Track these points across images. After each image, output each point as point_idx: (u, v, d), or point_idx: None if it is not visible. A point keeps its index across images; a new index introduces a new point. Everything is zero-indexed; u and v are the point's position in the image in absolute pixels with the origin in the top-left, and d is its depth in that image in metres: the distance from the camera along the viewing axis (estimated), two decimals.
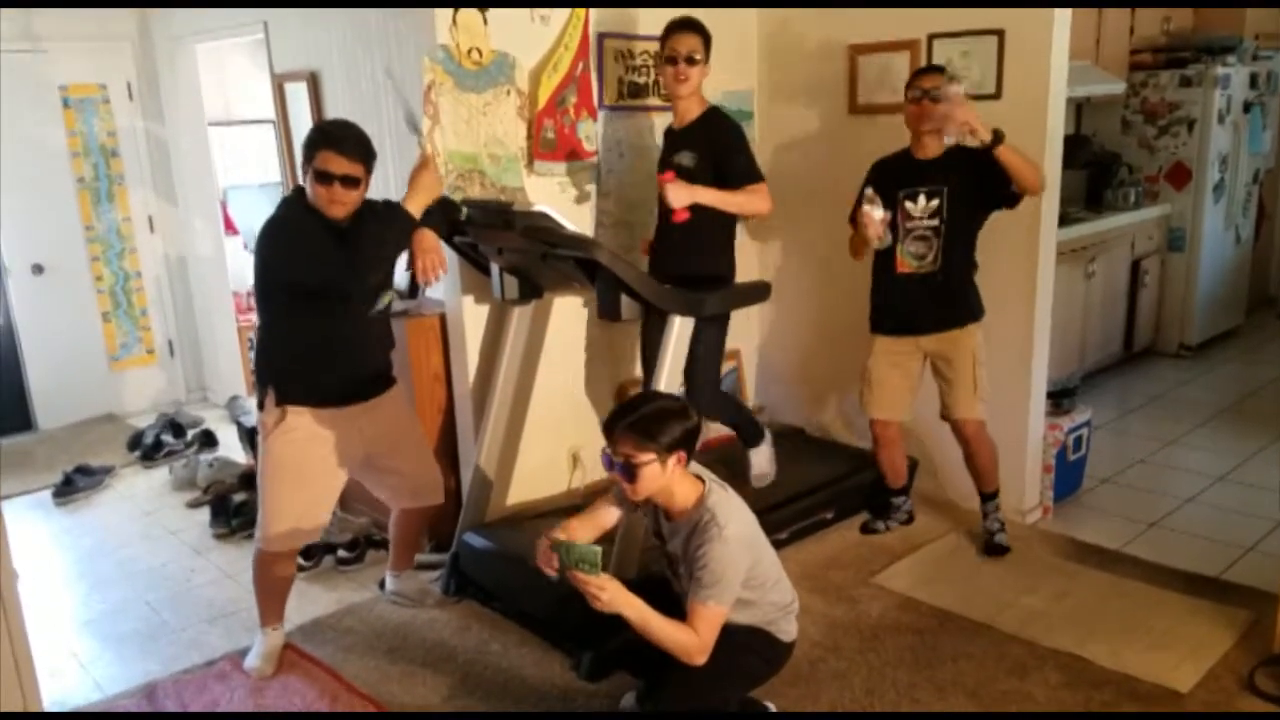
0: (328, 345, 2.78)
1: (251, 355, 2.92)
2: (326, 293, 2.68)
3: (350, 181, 2.66)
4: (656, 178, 3.16)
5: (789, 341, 4.45)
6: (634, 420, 2.19)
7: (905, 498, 3.78)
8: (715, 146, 3.23)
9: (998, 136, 3.02)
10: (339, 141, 2.65)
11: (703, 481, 2.31)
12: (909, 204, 3.24)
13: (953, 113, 2.99)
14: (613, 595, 2.11)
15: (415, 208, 2.78)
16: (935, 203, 3.22)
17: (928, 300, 3.31)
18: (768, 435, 3.72)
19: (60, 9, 5.01)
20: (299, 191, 2.76)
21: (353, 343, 2.84)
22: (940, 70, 3.22)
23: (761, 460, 3.67)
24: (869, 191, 3.18)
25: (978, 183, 3.17)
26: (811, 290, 4.30)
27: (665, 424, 2.19)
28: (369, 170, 2.71)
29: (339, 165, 2.63)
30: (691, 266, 3.27)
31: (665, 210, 3.23)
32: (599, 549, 2.11)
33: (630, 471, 2.19)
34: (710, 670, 2.22)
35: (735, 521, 2.24)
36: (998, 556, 3.47)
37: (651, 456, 2.17)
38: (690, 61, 3.19)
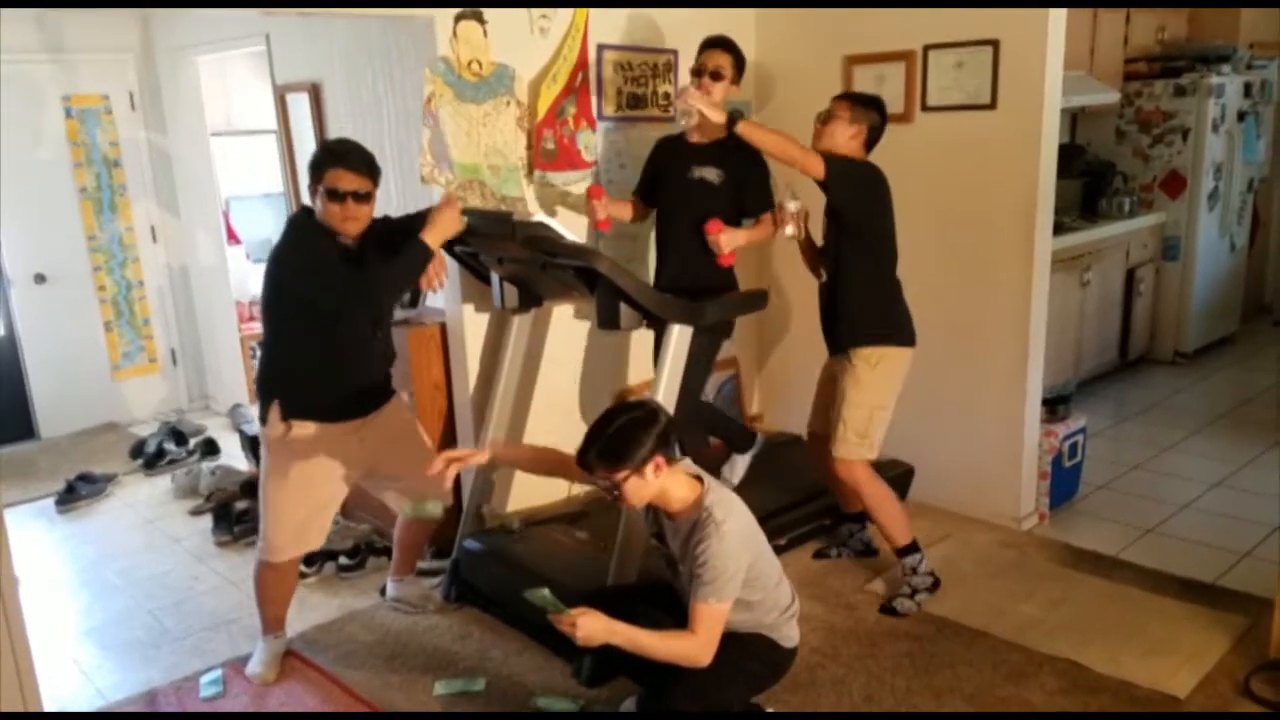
0: (333, 362, 2.82)
1: (254, 363, 2.93)
2: (337, 313, 2.72)
3: (361, 196, 2.71)
4: (704, 228, 3.22)
5: (788, 349, 4.47)
6: (601, 448, 2.23)
7: (860, 526, 3.55)
8: (743, 172, 3.32)
9: (734, 117, 3.03)
10: (345, 158, 2.70)
11: (701, 481, 2.34)
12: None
13: (684, 98, 3.05)
14: (588, 629, 2.16)
15: (431, 240, 2.75)
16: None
17: (824, 312, 3.25)
18: (759, 440, 3.77)
19: (64, 20, 5.04)
20: (306, 212, 2.78)
21: (358, 360, 2.88)
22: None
23: (736, 467, 3.72)
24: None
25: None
26: (810, 298, 4.29)
27: (632, 441, 2.21)
28: (376, 184, 2.76)
29: (349, 181, 2.68)
30: (704, 279, 3.31)
31: (673, 225, 3.37)
32: (545, 590, 2.17)
33: (614, 491, 2.24)
34: (713, 674, 2.24)
35: (733, 518, 2.27)
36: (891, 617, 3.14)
37: (627, 473, 2.21)
38: (715, 76, 3.26)
